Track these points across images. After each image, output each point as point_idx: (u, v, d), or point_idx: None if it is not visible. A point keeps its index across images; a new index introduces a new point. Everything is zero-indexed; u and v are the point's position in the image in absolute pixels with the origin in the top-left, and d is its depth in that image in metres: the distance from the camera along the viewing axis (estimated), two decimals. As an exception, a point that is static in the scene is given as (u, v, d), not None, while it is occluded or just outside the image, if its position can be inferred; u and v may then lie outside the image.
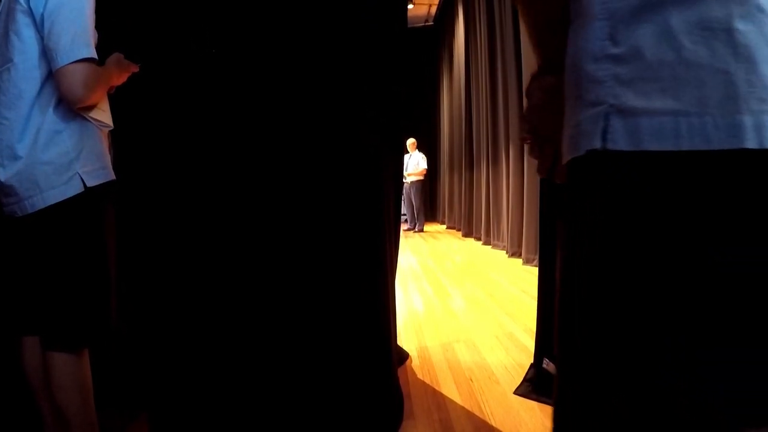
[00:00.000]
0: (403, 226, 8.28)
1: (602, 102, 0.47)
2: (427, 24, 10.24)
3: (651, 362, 0.46)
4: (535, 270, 3.45)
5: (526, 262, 4.37)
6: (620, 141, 0.45)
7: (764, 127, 0.42)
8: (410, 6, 8.73)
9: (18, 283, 1.23)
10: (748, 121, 0.41)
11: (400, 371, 1.87)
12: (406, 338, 2.40)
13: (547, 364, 1.66)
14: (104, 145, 1.27)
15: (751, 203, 0.43)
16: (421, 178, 8.23)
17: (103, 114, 1.26)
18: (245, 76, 1.29)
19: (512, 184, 4.84)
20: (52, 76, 1.15)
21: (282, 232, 1.31)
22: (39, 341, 1.20)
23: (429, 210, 9.77)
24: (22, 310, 1.22)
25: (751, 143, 0.41)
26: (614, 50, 0.47)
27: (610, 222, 0.47)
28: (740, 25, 0.42)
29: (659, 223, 0.44)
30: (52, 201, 1.16)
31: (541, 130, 0.67)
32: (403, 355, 2.09)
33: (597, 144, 0.46)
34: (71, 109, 1.19)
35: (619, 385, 0.47)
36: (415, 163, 8.14)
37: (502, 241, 5.36)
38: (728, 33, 0.42)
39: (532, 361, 1.77)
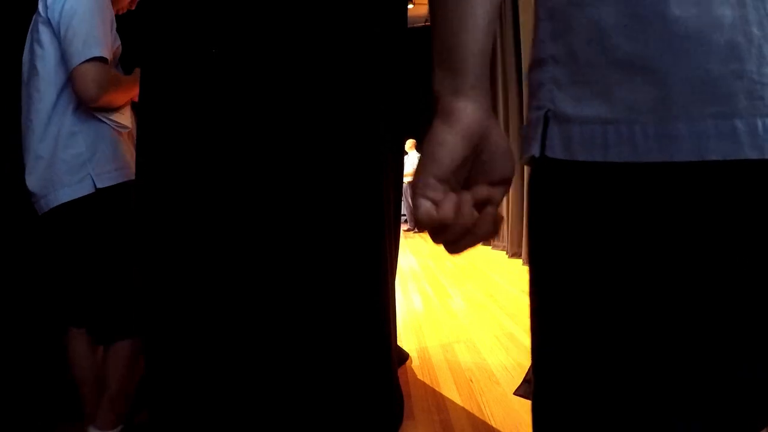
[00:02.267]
0: (403, 227, 8.28)
1: (542, 107, 0.43)
2: (427, 23, 10.24)
3: (605, 375, 0.43)
4: (535, 270, 3.45)
5: (526, 262, 4.36)
6: (557, 149, 0.42)
7: (705, 136, 0.35)
8: (410, 6, 8.74)
9: (52, 276, 1.35)
10: (683, 128, 0.36)
11: (400, 372, 1.87)
12: (406, 338, 2.40)
13: (548, 365, 1.66)
14: (122, 147, 1.34)
15: (685, 219, 0.38)
16: (421, 178, 8.20)
17: (121, 116, 1.34)
18: (245, 76, 1.29)
19: (512, 184, 4.84)
20: (70, 82, 1.23)
21: (282, 233, 1.30)
22: (84, 333, 1.31)
23: (429, 210, 9.76)
24: (65, 304, 1.33)
25: (684, 155, 0.36)
26: (553, 51, 0.42)
27: (547, 230, 0.45)
28: (677, 10, 0.36)
29: (589, 235, 0.41)
30: (64, 199, 1.24)
31: None
32: (403, 356, 2.09)
33: (536, 151, 0.43)
34: (88, 111, 1.27)
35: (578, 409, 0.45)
36: (412, 164, 8.13)
37: (503, 242, 5.36)
38: (663, 20, 0.36)
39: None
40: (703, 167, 0.36)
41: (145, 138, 1.29)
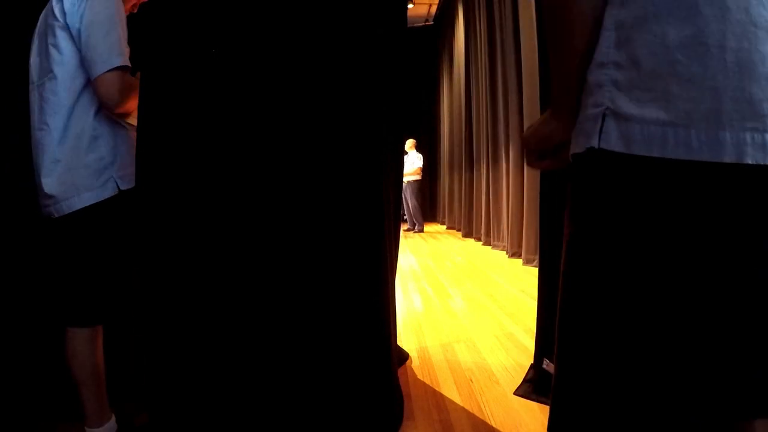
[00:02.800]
0: (403, 227, 8.27)
1: (600, 104, 0.52)
2: (427, 23, 10.24)
3: (646, 359, 0.49)
4: (535, 270, 3.45)
5: (526, 262, 4.37)
6: (613, 142, 0.50)
7: (744, 144, 0.45)
8: (410, 5, 8.73)
9: (59, 278, 1.34)
10: (728, 136, 0.45)
11: (400, 372, 1.87)
12: (406, 338, 2.40)
13: (547, 365, 1.66)
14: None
15: (723, 213, 0.46)
16: (418, 177, 8.19)
17: (134, 119, 1.36)
18: (245, 76, 1.29)
19: (512, 184, 4.84)
20: (88, 85, 1.27)
21: (281, 233, 1.30)
22: (85, 334, 1.32)
23: (429, 210, 9.77)
24: (66, 304, 1.33)
25: (728, 158, 0.45)
26: (616, 57, 0.51)
27: (602, 215, 0.52)
28: (733, 43, 0.45)
29: (644, 221, 0.48)
30: (88, 203, 1.28)
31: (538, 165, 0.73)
32: (403, 356, 2.09)
33: (594, 143, 0.51)
34: (108, 115, 1.31)
35: (618, 379, 0.50)
36: (410, 163, 8.11)
37: (502, 242, 5.36)
38: (721, 50, 0.45)
39: (532, 362, 1.77)
40: (740, 169, 0.45)
41: (145, 139, 1.29)
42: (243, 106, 1.29)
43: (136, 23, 1.42)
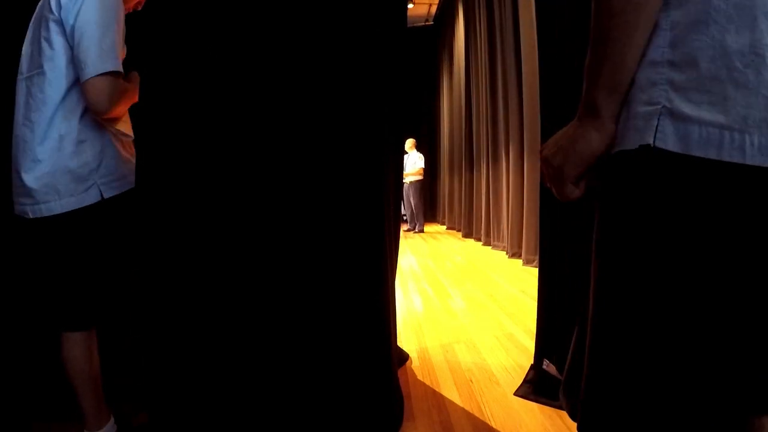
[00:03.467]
0: (403, 227, 8.27)
1: (656, 102, 0.52)
2: (427, 23, 10.24)
3: (679, 356, 0.49)
4: (535, 270, 3.45)
5: (526, 262, 4.37)
6: (670, 142, 0.50)
7: None
8: (410, 5, 8.73)
9: (37, 280, 1.32)
10: None
11: (400, 372, 1.87)
12: (406, 339, 2.39)
13: (548, 366, 1.66)
14: (124, 155, 1.33)
15: None
16: (420, 177, 8.19)
17: (124, 125, 1.34)
18: (246, 76, 1.28)
19: (512, 184, 4.84)
20: (77, 85, 1.22)
21: (281, 232, 1.30)
22: (79, 337, 1.30)
23: (429, 210, 9.77)
24: (60, 307, 1.30)
25: None
26: (672, 57, 0.51)
27: (654, 212, 0.51)
28: None
29: (701, 221, 0.49)
30: (69, 208, 1.23)
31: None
32: (403, 356, 2.08)
33: (649, 140, 0.51)
34: (95, 120, 1.25)
35: (647, 374, 0.51)
36: (412, 163, 8.11)
37: (502, 242, 5.36)
38: None
39: (532, 363, 1.77)
40: None
41: (145, 141, 1.29)
42: (242, 106, 1.29)
43: (136, 23, 1.41)
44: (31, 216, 1.23)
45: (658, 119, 0.51)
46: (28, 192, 1.21)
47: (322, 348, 1.32)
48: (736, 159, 0.47)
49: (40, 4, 1.27)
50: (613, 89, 0.55)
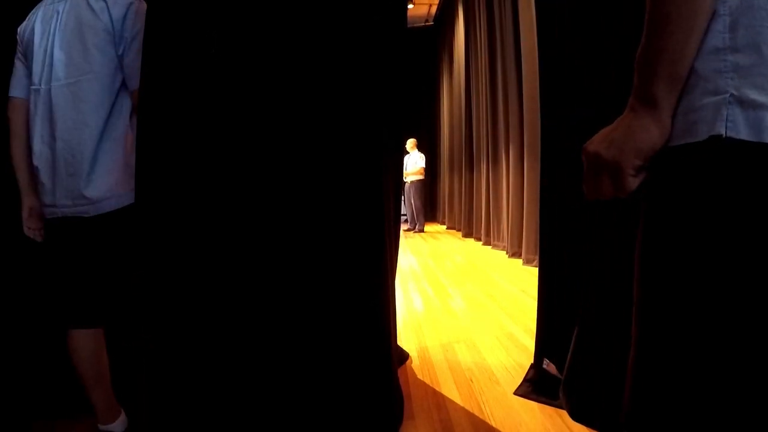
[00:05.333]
0: (403, 226, 8.27)
1: (723, 91, 0.50)
2: (427, 24, 10.24)
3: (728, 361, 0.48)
4: (535, 270, 3.45)
5: (526, 262, 4.37)
6: (742, 131, 0.48)
7: None
8: (410, 6, 8.73)
9: (71, 277, 1.33)
10: None
11: (400, 371, 1.87)
12: (406, 338, 2.40)
13: (548, 365, 1.66)
14: None
15: None
16: (421, 177, 8.20)
17: None
18: (247, 75, 1.28)
19: (512, 184, 4.84)
20: (124, 88, 1.32)
21: (281, 232, 1.30)
22: (89, 334, 1.33)
23: (429, 210, 9.77)
24: (73, 304, 1.33)
25: None
26: (734, 43, 0.50)
27: (733, 205, 0.49)
28: None
29: None
30: (127, 203, 1.31)
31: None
32: (403, 356, 2.09)
33: (721, 130, 0.49)
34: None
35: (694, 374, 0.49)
36: (413, 163, 8.12)
37: (502, 242, 5.36)
38: None
39: (532, 362, 1.77)
40: None
41: (145, 140, 1.29)
42: (240, 104, 1.29)
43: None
44: (92, 214, 1.28)
45: (727, 109, 0.49)
46: (89, 192, 1.27)
47: (322, 348, 1.32)
48: None
49: (64, 8, 1.28)
50: (674, 80, 0.53)
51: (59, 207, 1.29)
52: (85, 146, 1.26)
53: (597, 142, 0.59)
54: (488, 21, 5.77)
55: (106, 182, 1.28)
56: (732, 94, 0.49)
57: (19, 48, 1.35)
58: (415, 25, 10.06)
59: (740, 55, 0.49)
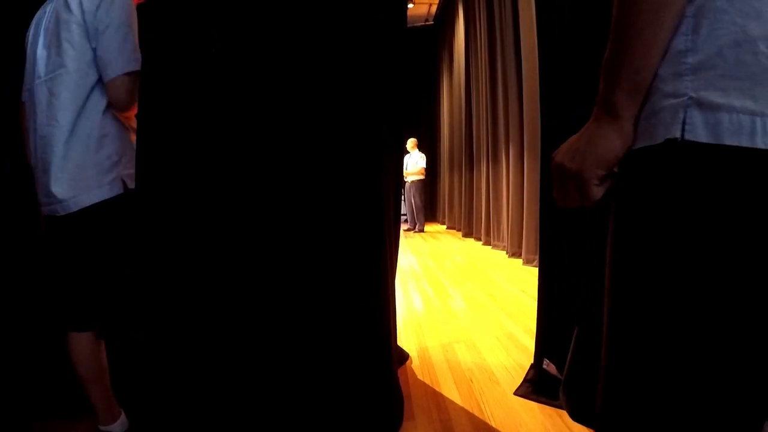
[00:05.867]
0: (403, 226, 8.27)
1: (682, 94, 0.50)
2: (427, 23, 10.24)
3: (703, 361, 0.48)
4: (535, 270, 3.45)
5: (526, 262, 4.37)
6: (700, 133, 0.48)
7: None
8: (410, 5, 8.73)
9: (62, 279, 1.34)
10: None
11: (400, 372, 1.87)
12: (406, 338, 2.40)
13: (548, 365, 1.66)
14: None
15: None
16: (422, 177, 8.20)
17: (134, 121, 1.38)
18: (247, 75, 1.28)
19: (512, 184, 4.84)
20: (99, 83, 1.28)
21: (281, 232, 1.30)
22: (88, 336, 1.32)
23: (429, 210, 9.77)
24: (71, 307, 1.32)
25: None
26: (694, 45, 0.49)
27: (688, 208, 0.49)
28: None
29: (735, 212, 0.47)
30: (96, 199, 1.28)
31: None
32: (403, 356, 2.08)
33: (676, 133, 0.49)
34: (114, 115, 1.32)
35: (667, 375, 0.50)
36: (414, 163, 8.13)
37: (502, 242, 5.36)
38: None
39: (532, 362, 1.77)
40: None
41: (145, 140, 1.29)
42: (240, 103, 1.29)
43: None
44: (61, 213, 1.27)
45: (685, 111, 0.49)
46: (58, 190, 1.26)
47: (322, 348, 1.32)
48: None
49: (50, 8, 1.30)
50: (636, 89, 0.53)
51: (42, 206, 1.31)
52: (56, 143, 1.25)
53: (562, 153, 0.60)
54: (488, 20, 5.77)
55: (73, 180, 1.25)
56: (691, 97, 0.49)
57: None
58: (415, 24, 10.05)
59: (700, 56, 0.49)
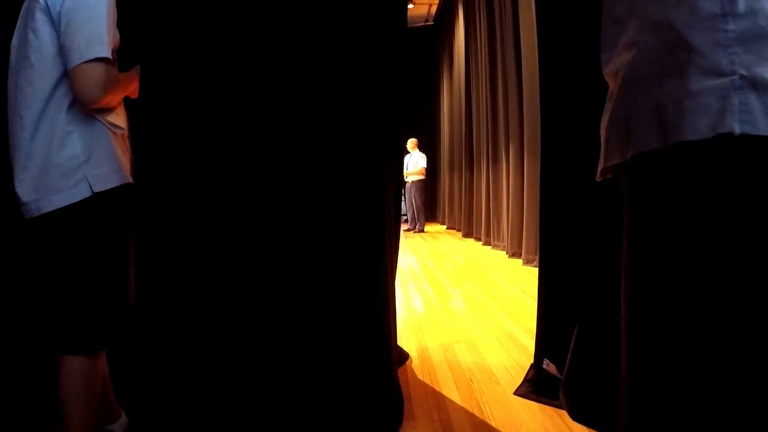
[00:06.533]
0: (403, 226, 8.27)
1: (729, 72, 0.37)
2: (427, 23, 10.24)
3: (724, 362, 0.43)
4: (535, 270, 3.45)
5: (526, 262, 4.37)
6: (761, 124, 0.36)
7: None
8: (410, 5, 8.73)
9: (34, 288, 1.25)
10: None
11: (400, 372, 1.87)
12: (406, 338, 2.40)
13: (548, 365, 1.66)
14: (119, 148, 1.26)
15: None
16: (422, 177, 8.21)
17: (117, 117, 1.26)
18: (245, 75, 1.28)
19: (512, 184, 4.84)
20: (65, 77, 1.14)
21: (281, 232, 1.30)
22: (82, 360, 1.18)
23: (429, 210, 9.77)
24: (59, 326, 1.19)
25: None
26: (734, 7, 0.37)
27: (757, 220, 0.39)
28: None
29: None
30: (58, 205, 1.15)
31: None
32: (403, 356, 2.08)
33: (733, 126, 0.37)
34: (84, 110, 1.18)
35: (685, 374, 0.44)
36: (414, 163, 8.13)
37: (502, 242, 5.36)
38: None
39: (532, 362, 1.77)
40: None
41: (145, 138, 1.29)
42: (240, 102, 1.28)
43: (135, 18, 1.40)
44: (26, 216, 1.17)
45: (737, 95, 0.36)
46: (23, 191, 1.16)
47: (322, 348, 1.32)
48: None
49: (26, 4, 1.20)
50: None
51: (18, 205, 1.21)
52: (20, 141, 1.15)
53: None
54: (488, 21, 5.77)
55: (35, 182, 1.14)
56: (741, 75, 0.36)
57: None
58: (415, 24, 10.05)
59: (745, 21, 0.36)
